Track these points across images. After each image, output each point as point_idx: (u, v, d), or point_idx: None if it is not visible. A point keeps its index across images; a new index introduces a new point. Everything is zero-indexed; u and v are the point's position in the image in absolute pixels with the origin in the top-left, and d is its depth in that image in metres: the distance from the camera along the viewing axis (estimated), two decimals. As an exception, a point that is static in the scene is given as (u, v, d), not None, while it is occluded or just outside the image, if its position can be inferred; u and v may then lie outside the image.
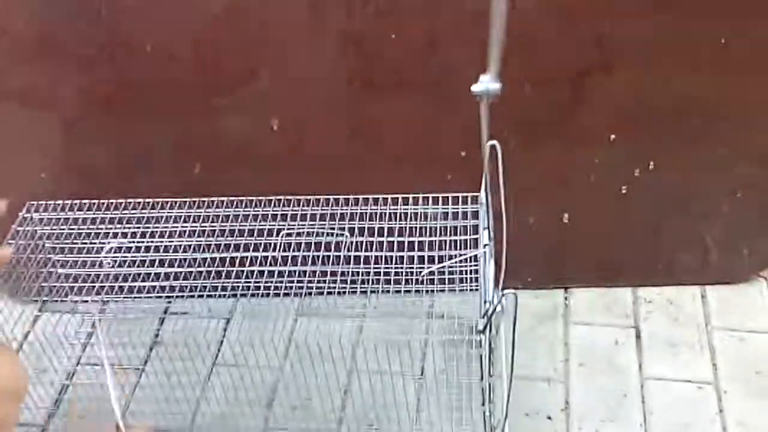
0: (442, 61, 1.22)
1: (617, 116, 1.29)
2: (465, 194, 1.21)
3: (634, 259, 1.50)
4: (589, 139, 1.31)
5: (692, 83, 1.23)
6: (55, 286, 1.23)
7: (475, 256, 1.07)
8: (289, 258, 1.22)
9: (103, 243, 1.26)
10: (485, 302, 0.95)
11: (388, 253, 1.18)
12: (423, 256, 1.16)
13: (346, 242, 1.19)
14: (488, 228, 1.05)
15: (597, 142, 1.31)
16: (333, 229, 1.22)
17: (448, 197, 1.23)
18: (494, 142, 0.95)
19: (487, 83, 0.73)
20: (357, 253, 1.18)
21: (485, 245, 1.03)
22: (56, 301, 1.29)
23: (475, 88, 0.74)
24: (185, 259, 1.29)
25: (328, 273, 1.19)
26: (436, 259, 1.10)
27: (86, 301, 1.23)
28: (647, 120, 1.29)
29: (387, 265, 1.18)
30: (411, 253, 1.19)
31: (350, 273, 1.16)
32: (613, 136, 1.31)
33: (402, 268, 1.17)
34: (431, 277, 1.13)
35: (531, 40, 1.17)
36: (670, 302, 1.50)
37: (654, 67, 1.22)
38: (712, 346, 1.42)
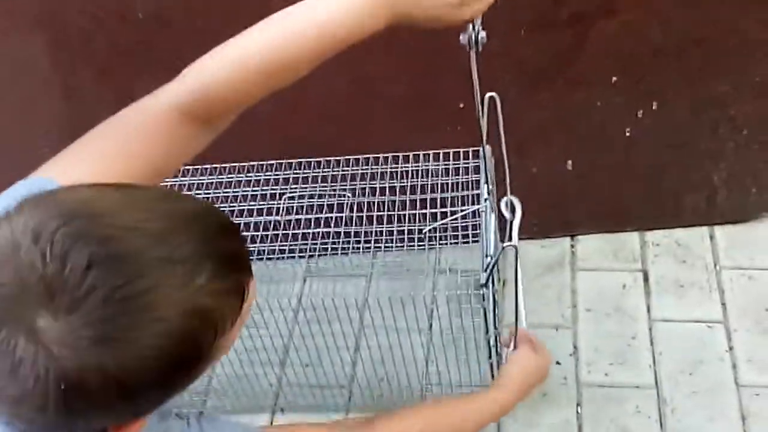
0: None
1: (618, 57, 1.25)
2: (465, 149, 1.20)
3: (640, 202, 1.49)
4: (591, 82, 1.29)
5: (692, 22, 1.20)
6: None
7: (477, 210, 1.06)
8: (293, 221, 1.23)
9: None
10: (486, 256, 0.95)
11: (390, 212, 1.18)
12: (426, 214, 1.16)
13: (348, 203, 1.19)
14: (488, 182, 1.04)
15: (598, 84, 1.29)
16: (335, 190, 1.22)
17: (449, 153, 1.21)
18: (492, 93, 0.92)
19: (473, 31, 0.71)
20: (360, 214, 1.18)
21: (485, 200, 1.02)
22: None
23: (462, 37, 0.72)
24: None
25: (331, 234, 1.20)
26: (438, 216, 1.10)
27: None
28: (649, 60, 1.25)
29: (390, 225, 1.18)
30: (414, 211, 1.19)
31: (353, 234, 1.17)
32: (614, 78, 1.28)
33: (404, 226, 1.17)
34: (435, 234, 1.12)
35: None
36: (678, 244, 1.50)
37: (654, 7, 1.18)
38: (721, 286, 1.41)
